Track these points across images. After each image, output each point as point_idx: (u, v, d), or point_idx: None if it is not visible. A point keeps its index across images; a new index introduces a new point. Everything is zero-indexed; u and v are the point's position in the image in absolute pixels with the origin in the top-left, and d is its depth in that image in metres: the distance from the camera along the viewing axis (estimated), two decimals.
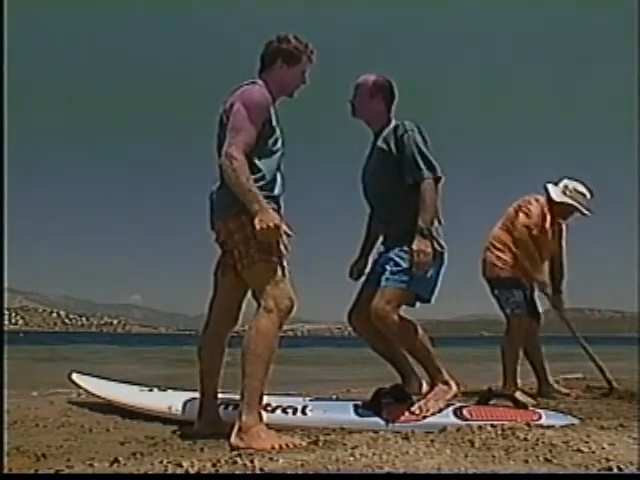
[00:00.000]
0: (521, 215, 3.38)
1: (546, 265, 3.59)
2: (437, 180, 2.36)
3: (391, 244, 2.44)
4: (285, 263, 2.07)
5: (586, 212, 3.41)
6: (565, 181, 3.48)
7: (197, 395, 2.41)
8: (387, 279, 2.33)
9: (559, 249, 3.64)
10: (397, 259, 2.34)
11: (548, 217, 3.38)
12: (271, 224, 1.93)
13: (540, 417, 2.28)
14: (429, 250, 2.22)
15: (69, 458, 1.91)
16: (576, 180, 3.48)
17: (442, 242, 2.38)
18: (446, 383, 2.36)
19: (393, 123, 2.49)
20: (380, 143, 2.47)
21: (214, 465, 1.47)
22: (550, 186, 3.48)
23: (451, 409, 2.31)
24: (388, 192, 2.46)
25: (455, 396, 2.39)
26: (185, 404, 2.58)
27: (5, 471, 1.67)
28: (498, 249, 3.45)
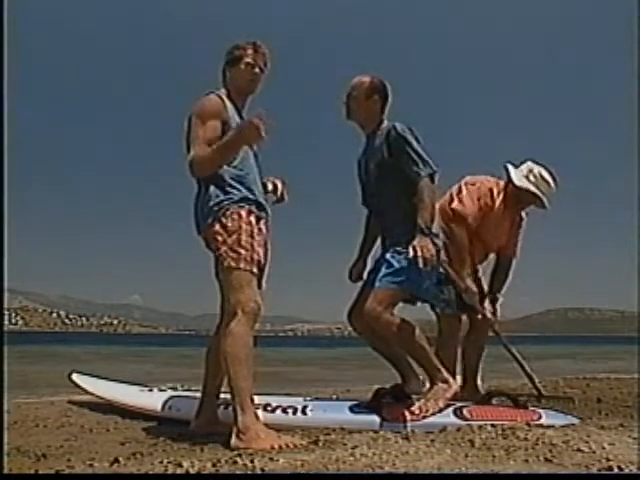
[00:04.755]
0: (456, 200, 2.86)
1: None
2: (433, 178, 2.37)
3: (389, 246, 2.45)
4: (255, 269, 2.11)
5: (547, 205, 2.86)
6: (529, 164, 2.92)
7: (197, 395, 2.42)
8: (380, 280, 2.34)
9: (512, 245, 3.02)
10: (391, 260, 2.34)
11: (497, 202, 2.86)
12: (246, 129, 2.04)
13: (540, 417, 2.28)
14: (431, 246, 2.23)
15: (69, 458, 1.91)
16: (541, 164, 2.93)
17: (438, 241, 2.38)
18: (446, 381, 2.36)
19: (385, 125, 2.49)
20: (374, 147, 2.48)
21: (214, 465, 1.47)
22: (511, 167, 2.94)
23: (451, 409, 2.31)
24: (385, 195, 2.47)
25: (456, 394, 2.38)
26: (185, 404, 2.58)
27: (5, 471, 1.67)
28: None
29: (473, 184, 2.92)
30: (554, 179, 2.89)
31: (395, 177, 2.39)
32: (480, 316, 2.85)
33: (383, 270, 2.35)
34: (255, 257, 2.11)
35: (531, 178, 2.87)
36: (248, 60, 2.26)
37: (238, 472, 1.42)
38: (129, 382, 3.14)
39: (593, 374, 5.34)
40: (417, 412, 2.26)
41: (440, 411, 2.27)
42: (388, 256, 2.36)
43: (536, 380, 2.92)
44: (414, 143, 2.37)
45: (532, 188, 2.84)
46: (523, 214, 3.06)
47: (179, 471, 1.44)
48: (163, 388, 2.93)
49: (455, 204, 2.86)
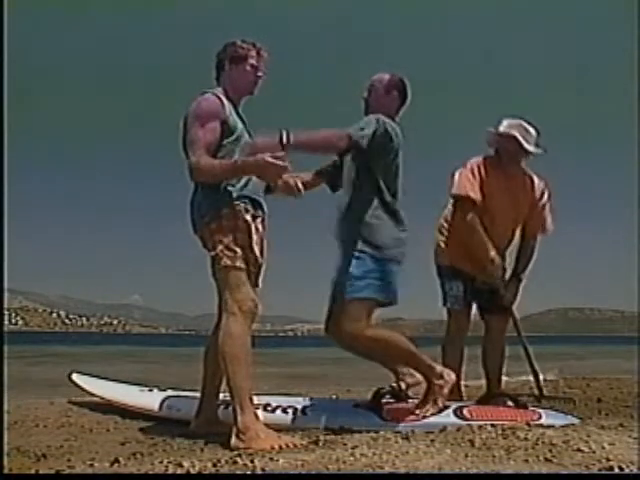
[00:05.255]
0: (454, 187, 2.84)
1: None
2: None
3: (341, 242, 2.35)
4: (252, 268, 2.11)
5: (527, 145, 2.78)
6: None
7: (197, 395, 2.42)
8: (346, 292, 2.23)
9: (536, 221, 2.92)
10: (349, 267, 2.24)
11: (493, 171, 2.82)
12: (260, 166, 1.98)
13: (540, 417, 2.28)
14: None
15: (69, 458, 1.91)
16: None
17: (387, 240, 2.27)
18: (441, 377, 2.32)
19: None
20: None
21: (215, 465, 1.47)
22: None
23: (451, 409, 2.31)
24: (347, 184, 2.39)
25: (453, 387, 2.34)
26: (185, 404, 2.58)
27: (5, 471, 1.67)
28: (444, 229, 2.97)
29: (465, 166, 2.87)
30: (534, 127, 2.85)
31: (360, 168, 2.33)
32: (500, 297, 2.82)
33: (347, 280, 2.24)
34: (252, 256, 2.11)
35: (504, 127, 2.85)
36: (253, 62, 2.23)
37: (238, 472, 1.42)
38: (129, 382, 3.14)
39: (593, 374, 5.33)
40: (417, 412, 2.27)
41: (440, 411, 2.27)
42: (347, 263, 2.26)
43: (541, 379, 2.92)
44: (381, 136, 2.25)
45: (508, 131, 2.81)
46: (537, 181, 2.92)
47: (179, 471, 1.44)
48: (163, 388, 2.93)
49: (454, 190, 2.82)
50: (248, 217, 2.13)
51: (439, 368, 2.34)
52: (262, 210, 2.24)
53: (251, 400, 2.04)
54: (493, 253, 2.73)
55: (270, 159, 1.93)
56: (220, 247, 2.09)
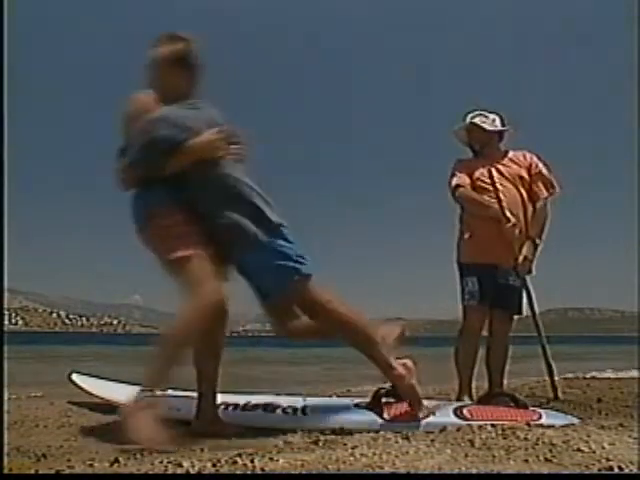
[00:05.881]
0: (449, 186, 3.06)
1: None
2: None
3: (232, 254, 2.20)
4: (202, 252, 2.04)
5: (487, 126, 2.99)
6: None
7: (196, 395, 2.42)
8: (291, 274, 2.09)
9: (537, 186, 3.02)
10: (258, 269, 2.14)
11: (473, 160, 3.07)
12: (205, 143, 2.03)
13: (540, 417, 2.28)
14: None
15: (69, 458, 1.90)
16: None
17: (273, 217, 2.13)
18: (402, 377, 2.21)
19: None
20: None
21: (214, 465, 1.47)
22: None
23: (451, 409, 2.31)
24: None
25: (413, 370, 2.25)
26: (185, 404, 2.58)
27: (5, 471, 1.67)
28: (461, 228, 3.09)
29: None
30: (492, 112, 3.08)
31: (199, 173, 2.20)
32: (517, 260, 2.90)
33: (265, 281, 2.14)
34: (200, 245, 2.09)
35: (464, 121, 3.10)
36: (187, 55, 2.16)
37: (238, 472, 1.42)
38: (129, 382, 3.14)
39: (593, 374, 5.34)
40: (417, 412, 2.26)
41: (436, 408, 2.27)
42: (256, 262, 2.14)
43: (555, 374, 2.98)
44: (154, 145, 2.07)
45: (468, 120, 3.06)
46: (523, 152, 3.10)
47: (179, 471, 1.44)
48: (163, 388, 2.93)
49: (450, 186, 3.00)
50: (182, 211, 2.11)
51: (399, 369, 2.21)
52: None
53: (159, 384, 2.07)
54: (508, 213, 2.85)
55: (214, 136, 2.02)
56: (161, 245, 2.09)
